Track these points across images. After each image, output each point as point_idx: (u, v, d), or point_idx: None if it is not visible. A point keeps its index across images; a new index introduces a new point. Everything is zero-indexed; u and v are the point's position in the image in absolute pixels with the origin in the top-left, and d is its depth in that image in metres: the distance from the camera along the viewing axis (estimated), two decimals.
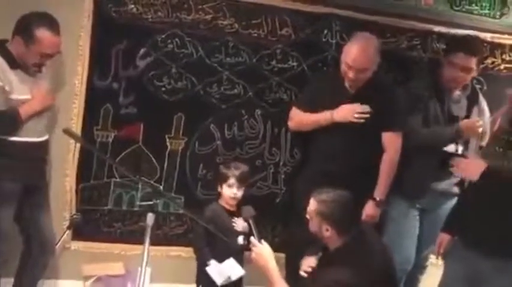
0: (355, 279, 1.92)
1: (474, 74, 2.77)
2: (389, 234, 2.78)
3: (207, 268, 2.55)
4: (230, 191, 2.67)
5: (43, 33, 2.29)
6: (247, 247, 2.11)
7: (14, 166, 2.36)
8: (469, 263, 2.15)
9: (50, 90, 2.50)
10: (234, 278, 2.53)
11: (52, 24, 2.33)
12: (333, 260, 2.10)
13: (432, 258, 2.94)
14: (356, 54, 2.54)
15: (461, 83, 2.74)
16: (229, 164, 2.76)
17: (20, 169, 2.39)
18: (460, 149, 2.73)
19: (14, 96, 2.32)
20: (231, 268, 2.54)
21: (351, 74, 2.56)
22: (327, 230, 2.10)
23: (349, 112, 2.59)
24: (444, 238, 2.39)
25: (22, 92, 2.35)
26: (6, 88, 2.28)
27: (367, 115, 2.57)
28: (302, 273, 2.26)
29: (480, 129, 2.67)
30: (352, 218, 2.14)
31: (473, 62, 2.69)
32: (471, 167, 2.14)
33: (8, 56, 2.31)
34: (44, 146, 2.53)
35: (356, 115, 2.57)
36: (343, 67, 2.59)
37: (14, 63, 2.32)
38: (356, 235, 2.10)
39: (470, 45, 2.75)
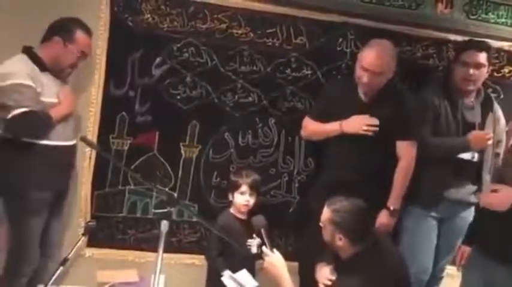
0: None
1: (486, 74, 2.74)
2: (406, 244, 2.75)
3: (223, 278, 2.53)
4: (243, 199, 2.67)
5: (82, 34, 2.44)
6: (259, 256, 2.11)
7: (45, 173, 2.39)
8: (486, 271, 2.12)
9: (74, 94, 2.55)
10: None
11: (87, 28, 2.48)
12: (345, 269, 2.08)
13: (448, 269, 2.90)
14: (372, 57, 2.53)
15: (475, 82, 2.71)
16: (240, 171, 2.76)
17: (51, 176, 2.43)
18: (476, 156, 2.70)
19: (44, 98, 2.37)
20: (245, 279, 2.53)
21: (365, 78, 2.54)
22: (340, 239, 2.09)
23: (358, 124, 2.58)
24: (465, 250, 2.36)
25: (51, 95, 2.40)
26: (38, 90, 2.33)
27: (376, 128, 2.55)
28: (321, 286, 2.24)
29: (489, 142, 2.66)
30: (365, 228, 2.12)
31: (483, 58, 2.69)
32: (500, 199, 2.07)
33: (37, 60, 2.38)
34: (73, 151, 2.58)
35: (365, 127, 2.56)
36: (357, 72, 2.58)
37: (43, 66, 2.38)
38: (369, 245, 2.08)
39: (478, 42, 2.76)
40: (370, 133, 2.55)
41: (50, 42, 2.40)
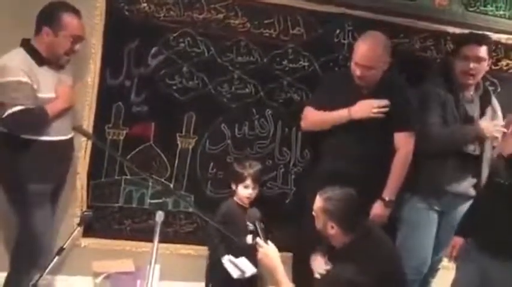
0: (359, 276, 1.92)
1: (486, 67, 2.73)
2: (407, 237, 2.75)
3: (223, 261, 2.55)
4: (246, 192, 2.70)
5: (69, 17, 2.35)
6: (254, 246, 2.12)
7: (43, 167, 2.38)
8: (481, 265, 2.13)
9: (73, 87, 2.53)
10: (247, 274, 2.53)
11: (73, 8, 2.39)
12: (337, 258, 2.10)
13: (444, 261, 2.91)
14: (363, 51, 2.54)
15: (476, 75, 2.70)
16: (244, 163, 2.77)
17: (52, 169, 2.43)
18: (478, 149, 2.70)
19: (41, 94, 2.34)
20: (244, 265, 2.55)
21: (358, 72, 2.55)
22: (332, 227, 2.10)
23: (367, 108, 2.56)
24: (458, 241, 2.37)
25: (48, 90, 2.37)
26: (35, 86, 2.30)
27: (386, 109, 2.54)
28: (317, 275, 2.25)
29: (500, 134, 2.62)
30: (358, 217, 2.13)
31: (484, 51, 2.68)
32: None
33: (34, 53, 2.34)
34: (70, 144, 2.57)
35: (375, 110, 2.55)
36: (352, 65, 2.59)
37: (41, 60, 2.35)
38: (362, 234, 2.10)
39: (478, 36, 2.76)
40: (380, 115, 2.54)
41: (41, 34, 2.34)
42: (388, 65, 2.60)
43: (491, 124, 2.67)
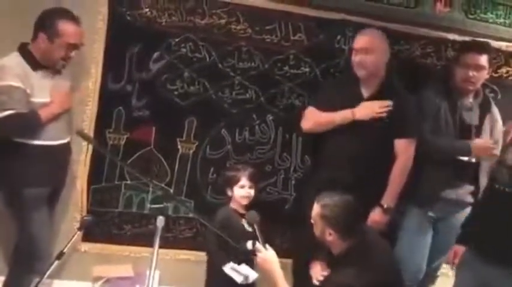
0: (359, 282, 1.91)
1: (486, 75, 2.75)
2: (403, 243, 2.75)
3: (225, 270, 2.53)
4: (243, 192, 2.68)
5: (65, 25, 2.34)
6: (253, 252, 2.11)
7: (41, 171, 2.38)
8: (479, 272, 2.13)
9: (69, 92, 2.53)
10: (251, 279, 2.52)
11: (71, 15, 2.38)
12: (337, 264, 2.10)
13: (443, 268, 2.91)
14: (362, 37, 2.61)
15: (475, 83, 2.71)
16: (236, 166, 2.79)
17: (48, 173, 2.43)
18: (474, 157, 2.70)
19: (35, 99, 2.33)
20: (246, 270, 2.54)
21: (357, 58, 2.58)
22: (330, 234, 2.10)
23: (370, 109, 2.57)
24: (459, 249, 2.36)
25: (43, 95, 2.37)
26: (28, 91, 2.30)
27: (389, 108, 2.56)
28: (315, 282, 2.25)
29: (493, 151, 2.64)
30: (355, 223, 2.13)
31: (484, 60, 2.69)
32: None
33: (30, 58, 2.34)
34: (66, 149, 2.56)
35: (378, 110, 2.56)
36: (352, 58, 2.63)
37: (36, 64, 2.35)
38: (360, 240, 2.10)
39: (479, 44, 2.77)
40: (384, 115, 2.56)
41: (37, 40, 2.34)
42: (388, 58, 2.63)
43: (482, 144, 2.67)
